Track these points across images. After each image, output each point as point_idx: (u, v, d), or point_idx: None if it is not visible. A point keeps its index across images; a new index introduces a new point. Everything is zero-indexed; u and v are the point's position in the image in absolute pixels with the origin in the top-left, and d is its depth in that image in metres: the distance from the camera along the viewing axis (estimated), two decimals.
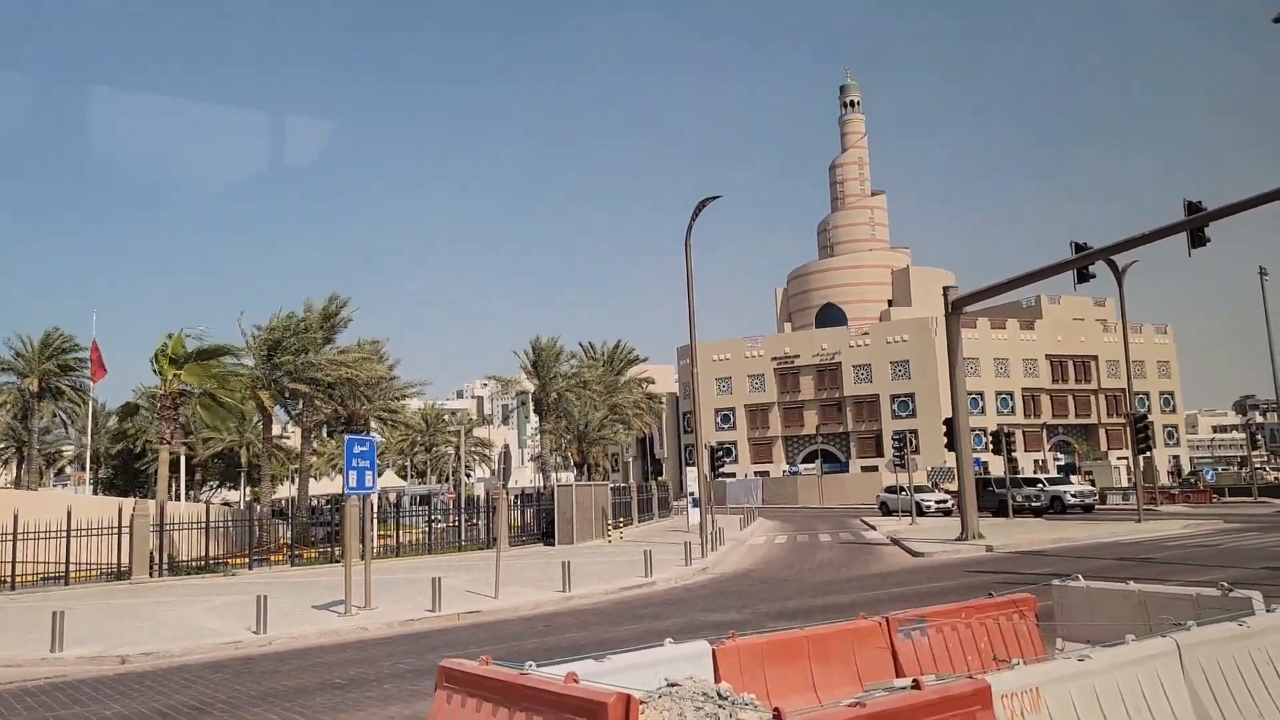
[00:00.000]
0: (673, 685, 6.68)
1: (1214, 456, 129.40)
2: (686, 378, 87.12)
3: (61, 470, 69.39)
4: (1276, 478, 65.68)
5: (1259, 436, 70.25)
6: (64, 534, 25.58)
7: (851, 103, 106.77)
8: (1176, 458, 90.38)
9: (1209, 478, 72.25)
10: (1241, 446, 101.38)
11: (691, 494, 38.98)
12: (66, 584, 25.10)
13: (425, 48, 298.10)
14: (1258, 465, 73.37)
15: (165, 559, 27.63)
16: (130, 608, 19.74)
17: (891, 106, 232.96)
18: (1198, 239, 24.23)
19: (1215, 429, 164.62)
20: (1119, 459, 77.98)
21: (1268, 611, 8.28)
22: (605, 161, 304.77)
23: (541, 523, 36.76)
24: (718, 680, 7.44)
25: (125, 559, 26.39)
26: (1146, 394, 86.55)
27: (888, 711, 5.62)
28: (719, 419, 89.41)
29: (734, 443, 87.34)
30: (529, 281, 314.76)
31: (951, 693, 5.85)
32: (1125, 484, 65.81)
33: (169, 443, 31.82)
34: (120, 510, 26.88)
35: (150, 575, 26.34)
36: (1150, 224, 26.15)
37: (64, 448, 65.05)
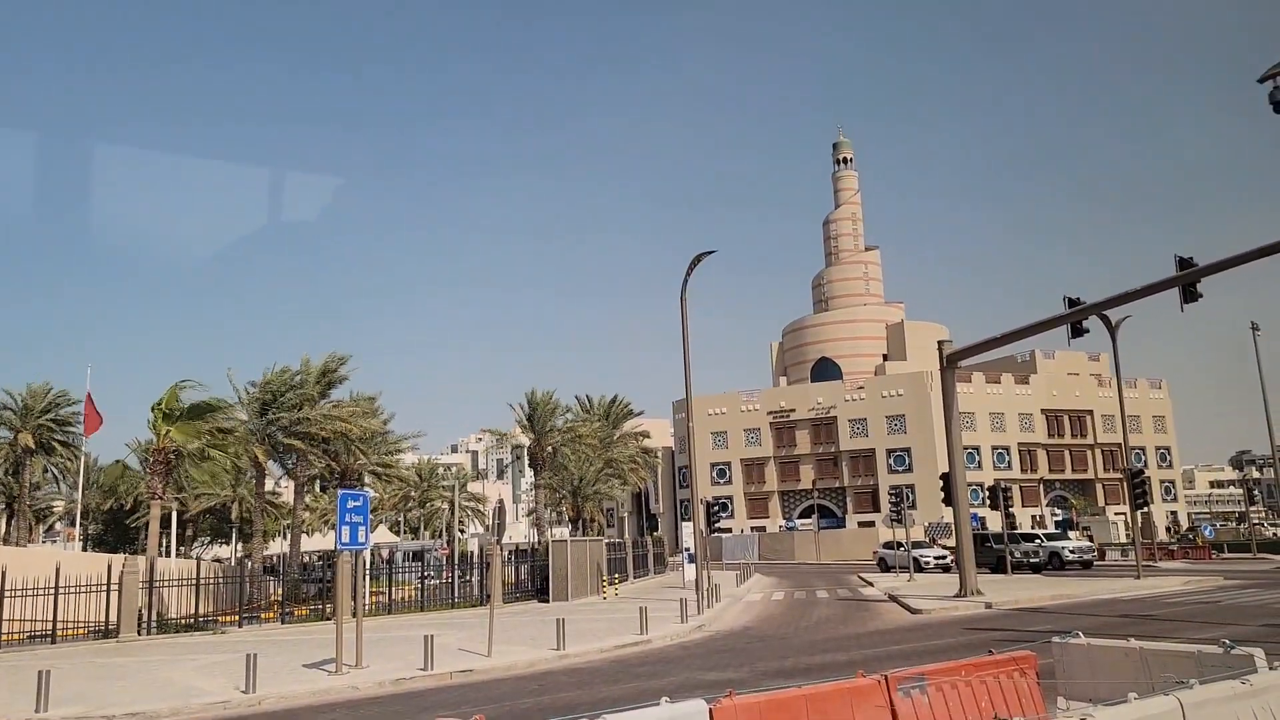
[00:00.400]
0: None
1: (1211, 512, 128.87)
2: (682, 431, 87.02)
3: (51, 526, 68.70)
4: (1275, 533, 65.47)
5: (1256, 492, 70.27)
6: (51, 591, 25.29)
7: (844, 159, 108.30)
8: (1174, 513, 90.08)
9: (1207, 533, 71.79)
10: (1239, 502, 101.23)
11: (687, 550, 38.68)
12: (53, 642, 24.73)
13: (417, 100, 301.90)
14: (1256, 521, 73.19)
15: (154, 616, 27.27)
16: (117, 666, 19.44)
17: (885, 161, 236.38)
18: (1190, 294, 24.45)
19: (1212, 484, 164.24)
20: (1116, 514, 77.64)
21: (1270, 669, 8.23)
22: (602, 217, 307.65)
23: (536, 579, 36.43)
24: None
25: (114, 616, 26.04)
26: (1143, 449, 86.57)
27: None
28: (714, 473, 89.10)
29: (730, 497, 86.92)
30: (524, 335, 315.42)
31: None
32: (1123, 540, 65.51)
33: (161, 498, 31.63)
34: (109, 567, 26.61)
35: (139, 633, 25.98)
36: (1143, 279, 26.41)
37: (54, 503, 64.54)
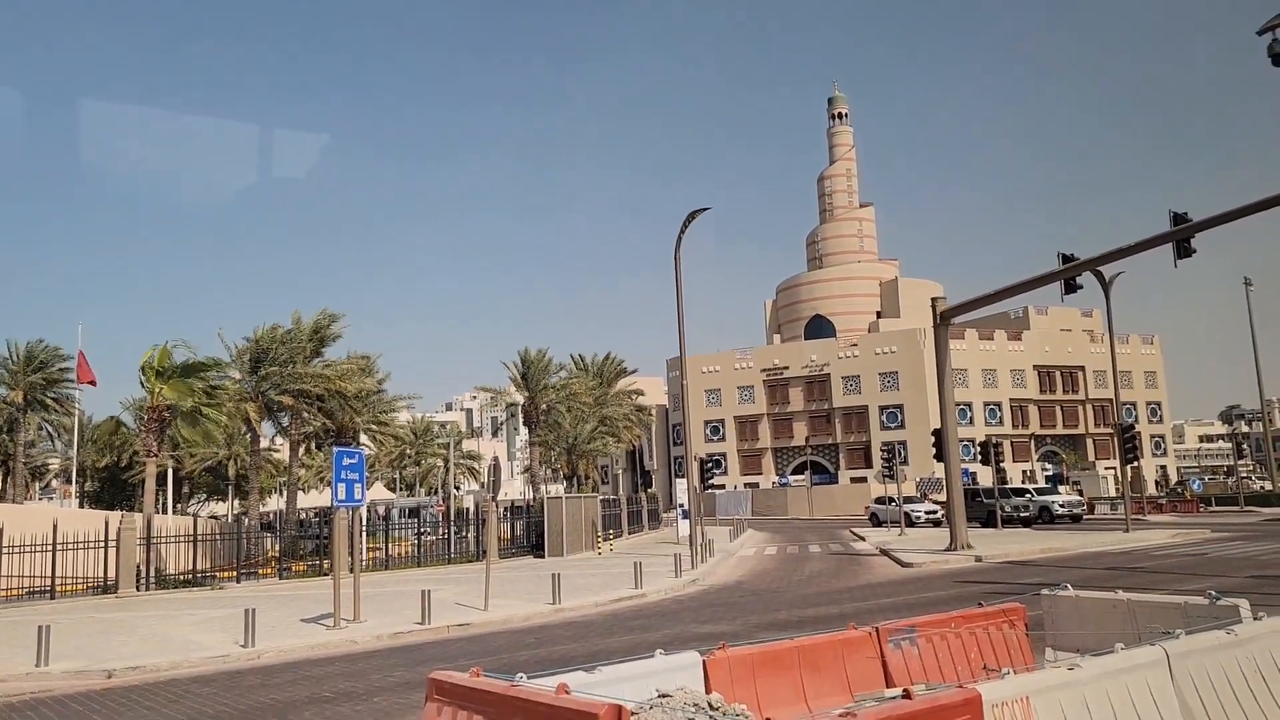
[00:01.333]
0: (664, 696, 6.67)
1: (1200, 466, 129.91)
2: (676, 389, 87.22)
3: (48, 484, 68.88)
4: (1262, 487, 66.08)
5: (1244, 446, 70.75)
6: (50, 548, 25.41)
7: (839, 115, 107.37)
8: (1164, 467, 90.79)
9: (1196, 487, 72.48)
10: (1228, 456, 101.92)
11: (681, 506, 38.94)
12: (52, 598, 24.92)
13: (416, 63, 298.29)
14: (1244, 475, 73.78)
15: (152, 572, 27.43)
16: (117, 621, 19.59)
17: (880, 118, 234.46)
18: (1183, 250, 24.42)
19: (1202, 439, 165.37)
20: (1106, 469, 78.28)
21: (1255, 619, 8.32)
22: (595, 175, 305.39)
23: (531, 535, 36.67)
24: (708, 691, 7.44)
25: (112, 572, 26.20)
26: (1133, 404, 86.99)
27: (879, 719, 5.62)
28: (708, 431, 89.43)
29: (723, 454, 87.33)
30: (519, 294, 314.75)
31: (941, 702, 5.86)
32: (1113, 494, 66.05)
33: (156, 456, 31.65)
34: (107, 523, 26.72)
35: (137, 589, 26.17)
36: (1137, 235, 26.35)
37: (50, 461, 64.62)
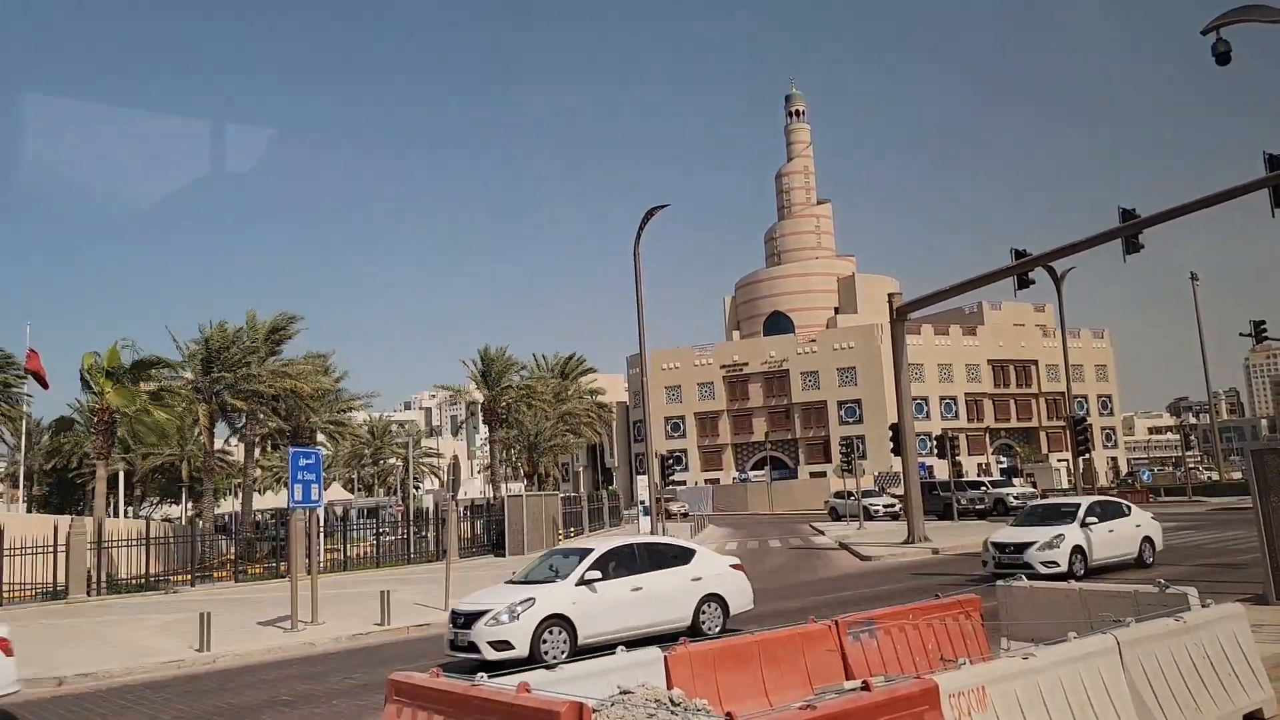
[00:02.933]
0: (625, 693, 6.67)
1: (1150, 457, 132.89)
2: (636, 386, 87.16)
3: None
4: (1209, 478, 67.57)
5: (1192, 438, 72.39)
6: None
7: (797, 112, 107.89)
8: (1115, 459, 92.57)
9: (1145, 478, 74.11)
10: (1176, 447, 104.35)
11: (642, 503, 38.98)
12: (0, 605, 24.34)
13: (369, 55, 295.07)
14: (1191, 466, 75.47)
15: (104, 577, 26.92)
16: (68, 628, 19.19)
17: (839, 115, 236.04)
18: (1132, 245, 24.90)
19: (1151, 430, 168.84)
20: (1059, 461, 79.58)
21: (1203, 606, 8.52)
22: (553, 171, 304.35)
23: (492, 534, 36.49)
24: (670, 686, 7.45)
25: (62, 578, 25.68)
26: (1085, 397, 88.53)
27: (838, 713, 5.66)
28: (669, 427, 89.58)
29: (684, 451, 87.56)
30: (476, 293, 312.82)
31: (900, 693, 5.92)
32: (1066, 485, 67.22)
33: (105, 458, 31.04)
34: (56, 528, 26.18)
35: (88, 594, 25.65)
36: (1088, 231, 26.81)
37: None
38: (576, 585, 13.20)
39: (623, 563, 14.00)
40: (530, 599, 12.84)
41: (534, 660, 11.65)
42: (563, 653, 12.38)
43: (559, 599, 13.02)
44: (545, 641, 12.67)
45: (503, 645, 12.41)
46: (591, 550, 14.00)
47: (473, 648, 12.52)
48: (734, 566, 15.29)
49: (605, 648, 9.78)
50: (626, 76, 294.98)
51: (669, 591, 13.97)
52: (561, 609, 12.94)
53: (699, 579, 14.40)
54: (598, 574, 13.39)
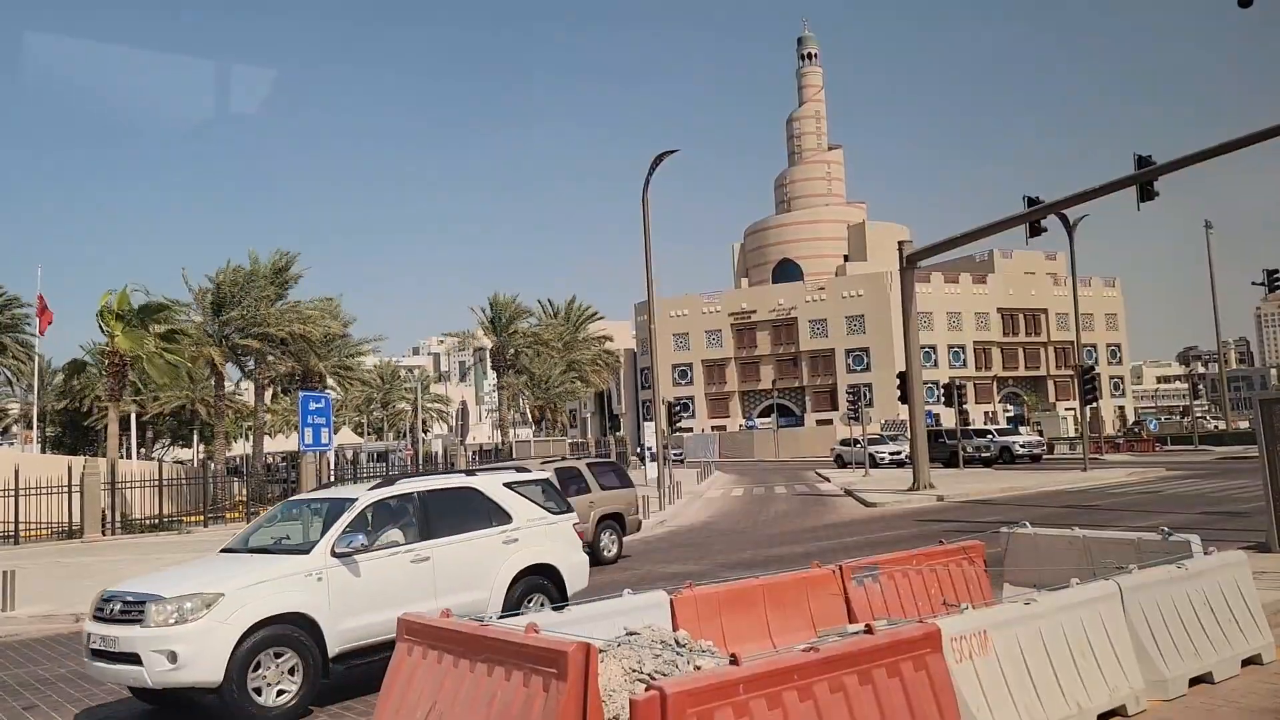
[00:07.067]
0: (631, 634, 6.77)
1: (1158, 406, 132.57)
2: (644, 333, 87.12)
3: (7, 429, 67.82)
4: (1216, 426, 67.61)
5: (1200, 387, 72.26)
6: (12, 493, 25.14)
7: (809, 55, 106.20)
8: (1122, 408, 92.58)
9: (1152, 427, 74.10)
10: (1184, 396, 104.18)
11: (649, 449, 39.20)
12: (17, 543, 24.72)
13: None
14: (1199, 414, 75.46)
15: (118, 517, 27.29)
16: (83, 566, 19.50)
17: (851, 58, 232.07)
18: (1146, 193, 24.58)
19: (1159, 379, 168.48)
20: (1066, 410, 79.63)
21: (1205, 554, 8.56)
22: (562, 114, 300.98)
23: None
24: (675, 629, 7.55)
25: (77, 518, 26.03)
26: (1094, 346, 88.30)
27: (840, 655, 5.74)
28: (676, 374, 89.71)
29: (691, 398, 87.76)
30: (484, 238, 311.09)
31: (902, 636, 5.99)
32: (1072, 434, 67.31)
33: (117, 401, 31.26)
34: (70, 469, 26.46)
35: (103, 534, 26.03)
36: (1102, 178, 26.49)
37: (9, 406, 63.61)
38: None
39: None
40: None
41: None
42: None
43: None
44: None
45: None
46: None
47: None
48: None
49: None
50: (636, 17, 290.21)
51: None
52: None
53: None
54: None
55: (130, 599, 8.03)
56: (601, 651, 5.60)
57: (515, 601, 9.56)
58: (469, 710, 5.90)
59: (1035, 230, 28.09)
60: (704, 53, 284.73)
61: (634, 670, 5.88)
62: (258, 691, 7.86)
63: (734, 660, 5.45)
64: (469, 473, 10.93)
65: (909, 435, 33.57)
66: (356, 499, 9.13)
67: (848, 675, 5.73)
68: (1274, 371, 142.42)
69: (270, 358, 38.48)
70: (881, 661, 5.85)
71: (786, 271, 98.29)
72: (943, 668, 6.11)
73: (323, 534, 8.74)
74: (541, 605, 9.38)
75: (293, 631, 8.08)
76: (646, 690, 5.31)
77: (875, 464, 45.55)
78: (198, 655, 7.63)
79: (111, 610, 8.06)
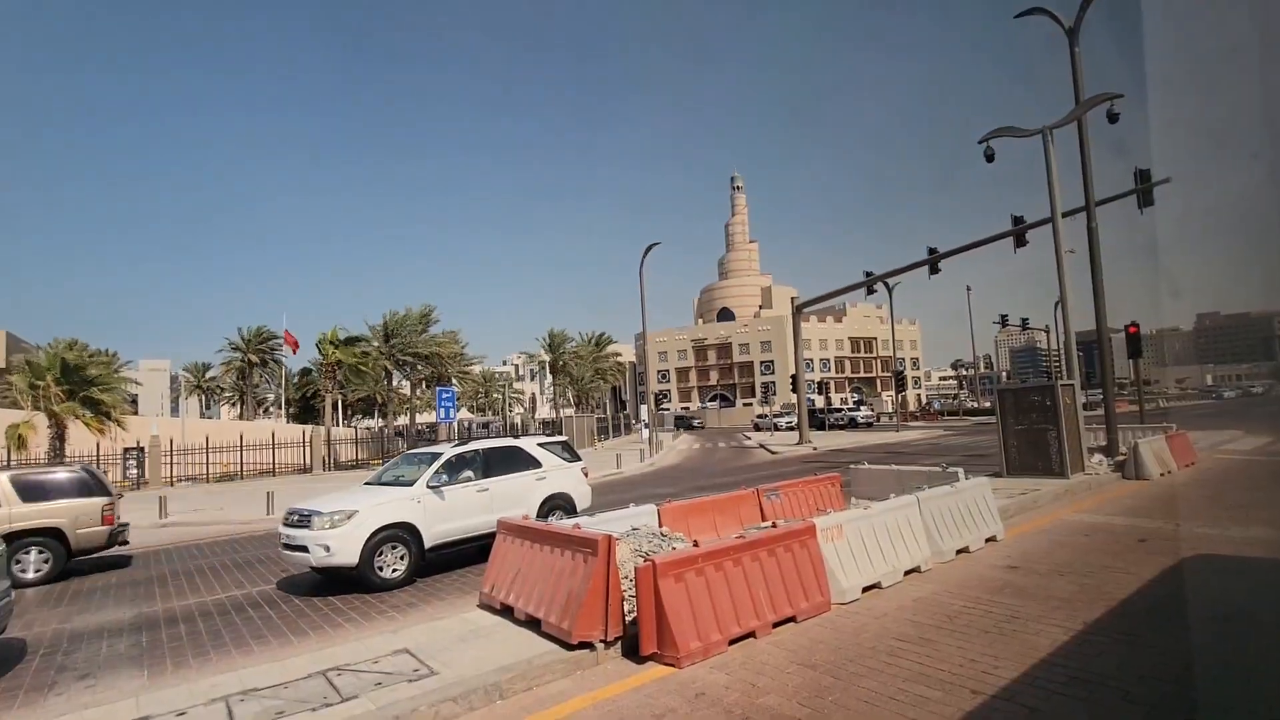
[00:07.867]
0: (634, 529, 6.83)
1: (940, 394, 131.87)
2: (641, 353, 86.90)
3: (267, 409, 67.45)
4: (973, 406, 67.38)
5: (964, 382, 71.82)
6: (271, 446, 25.13)
7: (738, 186, 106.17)
8: (920, 395, 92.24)
9: (936, 406, 73.91)
10: (955, 388, 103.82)
11: (644, 421, 39.09)
12: (273, 475, 24.68)
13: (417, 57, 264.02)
14: (965, 399, 75.26)
15: (331, 461, 27.25)
16: (312, 488, 19.43)
17: (765, 186, 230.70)
18: (934, 268, 24.71)
19: (941, 378, 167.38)
20: (887, 396, 79.59)
21: (965, 479, 8.64)
22: (575, 211, 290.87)
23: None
24: (660, 526, 7.61)
25: (307, 461, 26.00)
26: (903, 359, 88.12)
27: (757, 540, 5.80)
28: (660, 377, 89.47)
29: (669, 390, 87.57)
30: (542, 278, 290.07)
31: (793, 530, 6.07)
32: (890, 411, 67.20)
33: (331, 392, 31.22)
34: (304, 433, 26.48)
35: (323, 470, 25.97)
36: (914, 257, 26.43)
37: (268, 395, 63.28)
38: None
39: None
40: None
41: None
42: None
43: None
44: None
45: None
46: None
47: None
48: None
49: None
50: (626, 158, 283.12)
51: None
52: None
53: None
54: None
55: (304, 513, 7.96)
56: (617, 539, 5.68)
57: (543, 516, 9.19)
58: (541, 572, 5.95)
59: (870, 290, 28.17)
60: (667, 182, 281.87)
61: (636, 550, 5.96)
62: (380, 569, 7.81)
63: (695, 544, 5.50)
64: (515, 436, 10.63)
65: (797, 412, 33.49)
66: (443, 453, 8.91)
67: (762, 551, 5.79)
68: (1004, 374, 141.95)
69: (419, 367, 38.38)
70: (781, 543, 5.92)
71: (725, 315, 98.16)
72: (816, 547, 6.18)
73: (421, 474, 8.58)
74: (560, 518, 9.20)
75: (401, 533, 7.99)
76: (644, 561, 5.36)
77: (777, 429, 45.45)
78: (342, 548, 7.62)
79: (292, 520, 8.03)
